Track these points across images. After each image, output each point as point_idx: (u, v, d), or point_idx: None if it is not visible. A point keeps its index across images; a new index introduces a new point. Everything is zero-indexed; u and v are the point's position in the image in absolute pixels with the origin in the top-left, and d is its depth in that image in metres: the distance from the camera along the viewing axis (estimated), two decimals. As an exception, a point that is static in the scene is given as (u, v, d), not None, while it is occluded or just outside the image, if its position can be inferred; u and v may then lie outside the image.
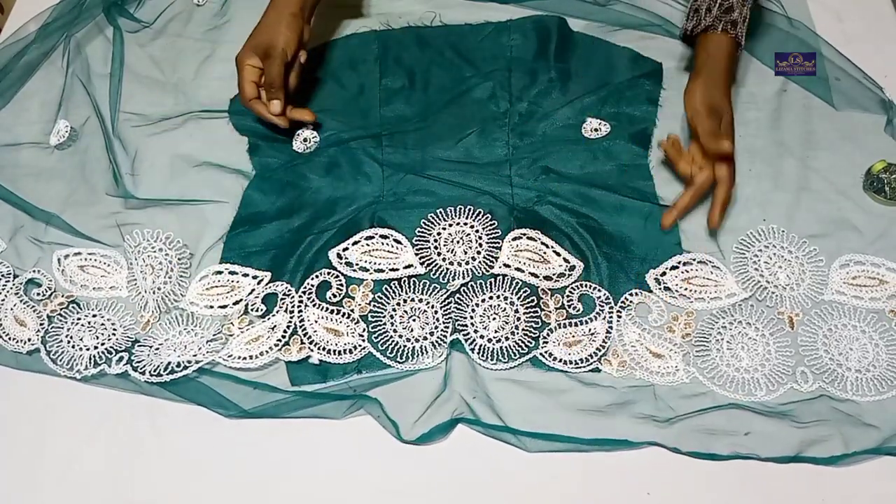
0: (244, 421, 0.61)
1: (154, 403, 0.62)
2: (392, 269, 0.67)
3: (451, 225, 0.69)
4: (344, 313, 0.65)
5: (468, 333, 0.63)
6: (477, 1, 0.84)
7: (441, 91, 0.78)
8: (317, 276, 0.67)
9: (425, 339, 0.63)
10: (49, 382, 0.64)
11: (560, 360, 0.62)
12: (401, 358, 0.63)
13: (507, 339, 0.63)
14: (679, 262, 0.66)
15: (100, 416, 0.62)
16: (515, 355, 0.63)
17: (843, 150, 0.72)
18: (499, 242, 0.68)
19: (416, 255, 0.68)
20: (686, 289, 0.65)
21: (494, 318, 0.64)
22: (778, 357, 0.62)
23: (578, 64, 0.79)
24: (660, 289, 0.65)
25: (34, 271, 0.69)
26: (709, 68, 0.68)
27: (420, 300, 0.65)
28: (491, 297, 0.65)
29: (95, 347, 0.65)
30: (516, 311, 0.65)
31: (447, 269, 0.67)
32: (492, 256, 0.67)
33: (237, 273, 0.68)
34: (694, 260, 0.66)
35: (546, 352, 0.63)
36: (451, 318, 0.64)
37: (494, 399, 0.61)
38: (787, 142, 0.73)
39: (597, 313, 0.64)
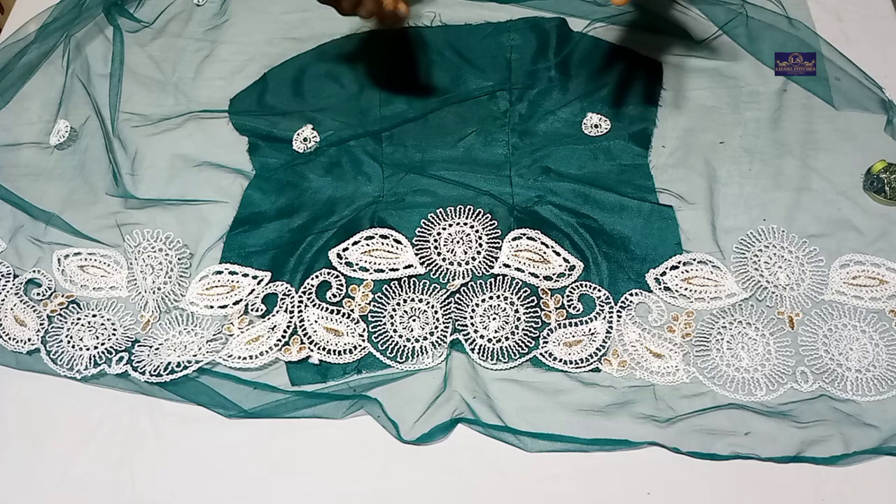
0: (244, 421, 0.61)
1: (154, 403, 0.63)
2: (392, 269, 0.67)
3: (451, 225, 0.69)
4: (344, 313, 0.65)
5: (468, 333, 0.63)
6: (477, 1, 0.84)
7: (441, 91, 0.78)
8: (317, 276, 0.67)
9: (425, 339, 0.63)
10: (49, 382, 0.64)
11: (560, 360, 0.62)
12: (401, 358, 0.63)
13: (507, 339, 0.63)
14: (679, 262, 0.66)
15: (100, 416, 0.62)
16: (515, 355, 0.63)
17: (843, 150, 0.72)
18: (499, 242, 0.68)
19: (416, 255, 0.68)
20: (686, 289, 0.65)
21: (494, 318, 0.64)
22: (778, 357, 0.62)
23: (578, 64, 0.79)
24: (660, 289, 0.65)
25: (34, 271, 0.69)
26: None
27: (420, 300, 0.65)
28: (491, 297, 0.65)
29: (95, 347, 0.65)
30: (516, 311, 0.65)
31: (447, 269, 0.67)
32: (492, 256, 0.67)
33: (237, 273, 0.68)
34: (694, 260, 0.66)
35: (546, 352, 0.63)
36: (451, 318, 0.64)
37: (494, 399, 0.61)
38: (787, 142, 0.73)
39: (597, 313, 0.64)
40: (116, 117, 0.79)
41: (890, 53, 0.78)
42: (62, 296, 0.68)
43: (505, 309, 0.65)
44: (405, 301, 0.66)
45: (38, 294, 0.68)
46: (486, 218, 0.69)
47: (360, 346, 0.64)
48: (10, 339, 0.66)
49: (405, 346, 0.63)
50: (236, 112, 0.79)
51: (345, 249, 0.68)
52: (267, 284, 0.67)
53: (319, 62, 0.81)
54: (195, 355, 0.63)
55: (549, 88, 0.77)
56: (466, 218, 0.69)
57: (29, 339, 0.65)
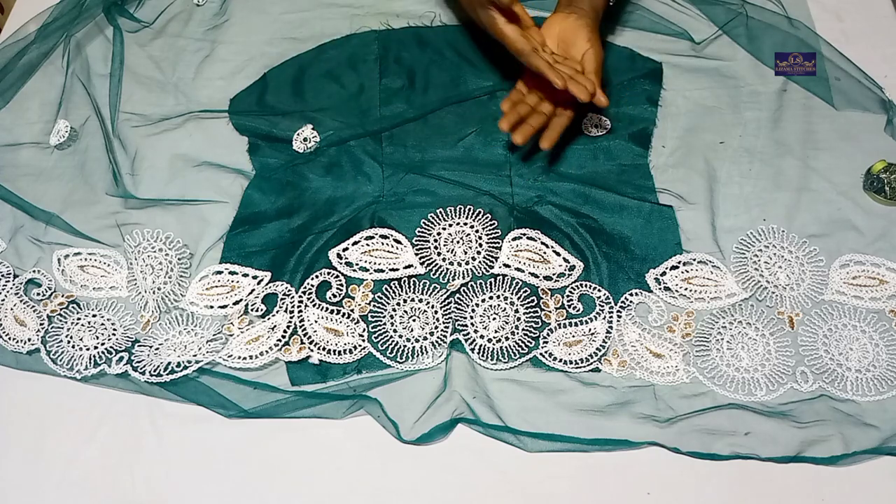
0: (244, 421, 0.61)
1: (154, 403, 0.63)
2: (392, 269, 0.67)
3: (451, 225, 0.69)
4: (344, 313, 0.65)
5: (468, 333, 0.63)
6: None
7: (441, 91, 0.78)
8: (317, 276, 0.67)
9: (425, 339, 0.63)
10: (49, 382, 0.64)
11: (560, 360, 0.62)
12: (401, 358, 0.63)
13: (507, 339, 0.63)
14: (679, 262, 0.66)
15: (100, 416, 0.62)
16: (515, 355, 0.63)
17: (843, 150, 0.72)
18: (499, 242, 0.68)
19: (416, 255, 0.68)
20: (686, 289, 0.65)
21: (494, 318, 0.64)
22: (778, 357, 0.62)
23: (578, 64, 0.79)
24: (660, 289, 0.65)
25: (34, 271, 0.69)
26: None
27: (420, 300, 0.65)
28: (491, 297, 0.65)
29: (95, 347, 0.65)
30: (516, 311, 0.65)
31: (447, 269, 0.67)
32: (492, 256, 0.67)
33: (237, 273, 0.68)
34: (694, 260, 0.66)
35: (546, 352, 0.63)
36: (451, 318, 0.64)
37: (494, 399, 0.61)
38: (787, 142, 0.73)
39: (597, 313, 0.64)
40: (116, 117, 0.79)
41: (890, 53, 0.78)
42: (62, 296, 0.68)
43: (505, 309, 0.65)
44: (405, 301, 0.66)
45: (38, 294, 0.68)
46: (486, 218, 0.69)
47: (360, 346, 0.64)
48: (10, 339, 0.66)
49: (405, 346, 0.63)
50: (236, 112, 0.79)
51: (345, 249, 0.68)
52: (267, 284, 0.67)
53: (319, 62, 0.81)
54: (195, 355, 0.63)
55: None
56: (466, 218, 0.69)
57: (29, 339, 0.65)
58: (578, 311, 0.65)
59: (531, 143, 0.74)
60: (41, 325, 0.66)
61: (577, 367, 0.62)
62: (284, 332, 0.64)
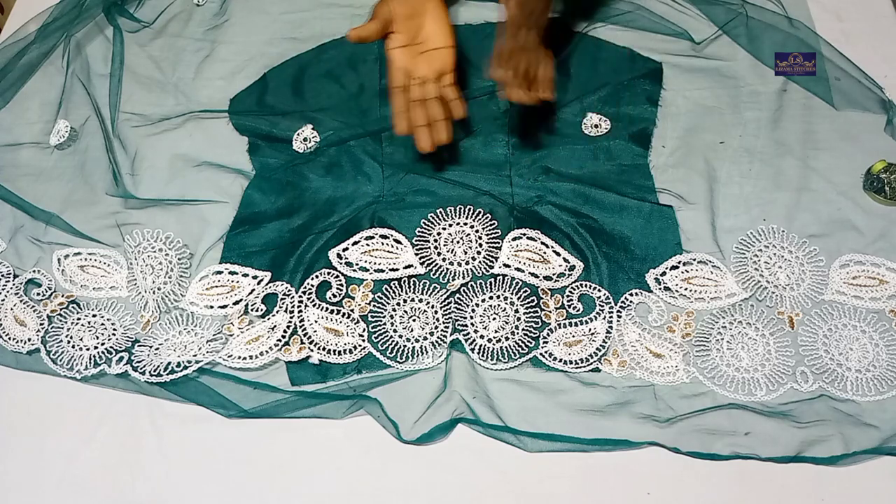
0: (244, 421, 0.61)
1: (154, 403, 0.63)
2: (392, 269, 0.67)
3: (451, 225, 0.69)
4: (344, 313, 0.65)
5: (468, 333, 0.63)
6: (477, 1, 0.84)
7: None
8: (317, 276, 0.67)
9: (425, 339, 0.63)
10: (49, 382, 0.64)
11: (560, 360, 0.62)
12: (401, 358, 0.63)
13: (507, 339, 0.63)
14: (679, 262, 0.66)
15: (100, 416, 0.62)
16: (515, 355, 0.63)
17: (843, 150, 0.72)
18: (499, 242, 0.68)
19: (416, 255, 0.68)
20: (686, 289, 0.65)
21: (494, 318, 0.64)
22: (778, 357, 0.62)
23: (578, 64, 0.79)
24: (660, 289, 0.65)
25: (34, 271, 0.69)
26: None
27: (420, 300, 0.65)
28: (491, 297, 0.65)
29: (95, 347, 0.65)
30: (516, 311, 0.65)
31: (447, 269, 0.67)
32: (492, 256, 0.67)
33: (237, 273, 0.68)
34: (694, 260, 0.66)
35: (546, 352, 0.63)
36: (451, 318, 0.64)
37: (494, 399, 0.61)
38: (787, 142, 0.73)
39: (597, 313, 0.64)
40: (116, 117, 0.79)
41: (890, 53, 0.78)
42: (62, 296, 0.68)
43: (505, 309, 0.65)
44: (405, 301, 0.66)
45: (38, 294, 0.68)
46: (486, 218, 0.69)
47: (360, 346, 0.64)
48: (10, 339, 0.66)
49: (405, 346, 0.63)
50: (236, 112, 0.79)
51: (345, 249, 0.68)
52: (267, 284, 0.67)
53: (319, 62, 0.81)
54: (195, 355, 0.63)
55: (548, 88, 0.77)
56: (466, 218, 0.69)
57: (29, 339, 0.65)
58: (578, 311, 0.65)
59: (531, 144, 0.74)
60: (41, 325, 0.66)
61: (577, 367, 0.62)
62: (284, 332, 0.64)
